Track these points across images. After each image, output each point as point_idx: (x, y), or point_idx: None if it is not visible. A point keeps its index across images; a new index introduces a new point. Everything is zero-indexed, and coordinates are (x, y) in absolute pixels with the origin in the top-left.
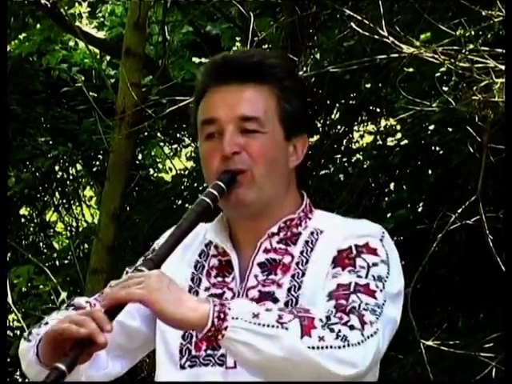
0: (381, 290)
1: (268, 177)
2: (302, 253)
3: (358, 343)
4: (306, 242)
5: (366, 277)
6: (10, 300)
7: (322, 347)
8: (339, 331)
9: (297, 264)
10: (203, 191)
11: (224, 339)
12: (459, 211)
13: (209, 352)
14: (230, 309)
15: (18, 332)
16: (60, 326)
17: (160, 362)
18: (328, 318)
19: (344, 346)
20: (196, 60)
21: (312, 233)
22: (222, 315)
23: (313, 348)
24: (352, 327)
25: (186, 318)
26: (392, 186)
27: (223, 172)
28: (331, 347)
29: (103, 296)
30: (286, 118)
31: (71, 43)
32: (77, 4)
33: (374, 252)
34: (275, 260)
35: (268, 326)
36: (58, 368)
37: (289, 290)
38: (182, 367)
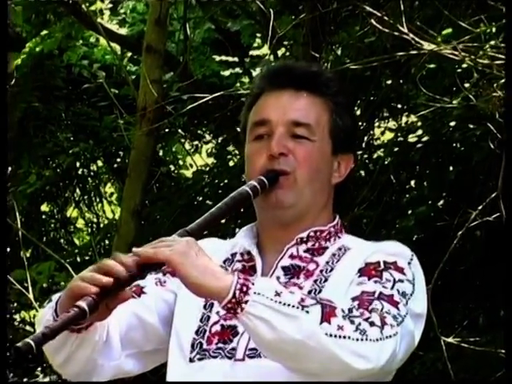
0: (404, 304)
1: (310, 183)
2: (327, 262)
3: (377, 340)
4: (333, 254)
5: (392, 289)
6: (31, 296)
7: (340, 336)
8: (359, 324)
9: (321, 271)
10: (224, 188)
11: (243, 313)
12: (480, 208)
13: (220, 345)
14: (253, 284)
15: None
16: (83, 274)
17: (171, 357)
18: (350, 310)
19: (362, 340)
20: (217, 57)
21: (340, 248)
22: (244, 288)
23: (330, 335)
24: (372, 323)
25: (208, 285)
26: (413, 182)
27: (267, 171)
28: (349, 338)
29: (131, 253)
30: (336, 132)
31: (92, 40)
32: (98, 1)
33: (401, 271)
34: (299, 266)
35: (289, 305)
36: (79, 306)
37: (309, 292)
38: (191, 360)
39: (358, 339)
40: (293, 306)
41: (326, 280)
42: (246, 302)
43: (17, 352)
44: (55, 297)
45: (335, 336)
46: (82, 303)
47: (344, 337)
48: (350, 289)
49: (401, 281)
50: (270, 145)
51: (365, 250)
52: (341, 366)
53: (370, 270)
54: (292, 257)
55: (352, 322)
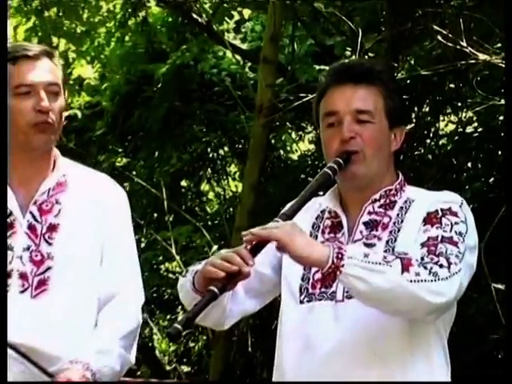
0: (461, 242)
1: (375, 157)
2: (397, 215)
3: (446, 278)
4: (401, 207)
5: (450, 231)
6: (173, 251)
7: (418, 281)
8: (431, 268)
9: (394, 223)
10: (322, 168)
11: (341, 274)
12: None
13: (322, 290)
14: (345, 250)
15: (180, 276)
16: (213, 260)
17: (284, 300)
18: (422, 258)
19: (435, 280)
20: (316, 66)
21: (405, 201)
22: (339, 255)
23: (411, 281)
24: (441, 266)
25: (312, 257)
26: (470, 164)
27: (342, 152)
28: (425, 281)
29: (247, 232)
30: (390, 112)
31: (220, 53)
32: (225, 22)
33: (455, 214)
34: (376, 220)
35: (376, 263)
36: (212, 290)
37: (387, 242)
38: (301, 302)
39: (432, 280)
40: (379, 264)
41: (398, 230)
42: (343, 265)
43: (169, 335)
44: (191, 271)
45: (415, 281)
46: (214, 288)
47: (421, 280)
48: (418, 236)
49: (456, 223)
50: (341, 131)
51: (425, 202)
52: (423, 303)
53: (431, 219)
54: (369, 213)
55: (425, 268)
